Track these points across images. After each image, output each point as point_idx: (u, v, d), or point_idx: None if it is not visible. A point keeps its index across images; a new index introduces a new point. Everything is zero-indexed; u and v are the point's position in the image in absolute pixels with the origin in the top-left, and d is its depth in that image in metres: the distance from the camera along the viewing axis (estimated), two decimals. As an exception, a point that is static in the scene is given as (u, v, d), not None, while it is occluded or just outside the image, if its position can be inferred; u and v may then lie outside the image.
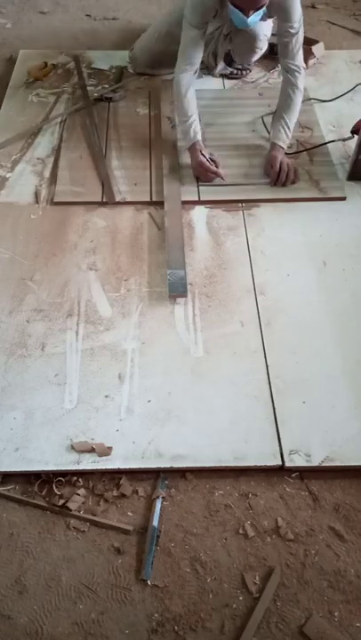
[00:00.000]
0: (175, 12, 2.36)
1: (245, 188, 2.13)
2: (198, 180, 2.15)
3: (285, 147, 2.15)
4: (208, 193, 2.11)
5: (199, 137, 2.13)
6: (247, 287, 1.82)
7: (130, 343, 1.68)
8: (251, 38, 2.38)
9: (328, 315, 1.76)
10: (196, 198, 2.10)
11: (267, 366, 1.63)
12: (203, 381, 1.60)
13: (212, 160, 2.14)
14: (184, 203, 2.08)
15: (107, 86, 2.60)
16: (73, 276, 1.86)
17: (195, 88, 2.20)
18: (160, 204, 2.08)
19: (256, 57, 2.53)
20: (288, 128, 2.14)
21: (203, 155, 2.11)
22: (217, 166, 2.13)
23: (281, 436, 1.48)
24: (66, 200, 2.09)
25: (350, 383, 1.60)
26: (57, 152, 2.29)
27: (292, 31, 2.06)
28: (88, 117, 2.41)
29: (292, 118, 2.15)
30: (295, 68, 2.14)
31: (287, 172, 2.11)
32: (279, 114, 2.17)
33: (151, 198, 2.10)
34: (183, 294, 1.78)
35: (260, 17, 2.02)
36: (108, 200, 2.08)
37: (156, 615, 1.25)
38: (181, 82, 2.15)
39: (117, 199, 2.09)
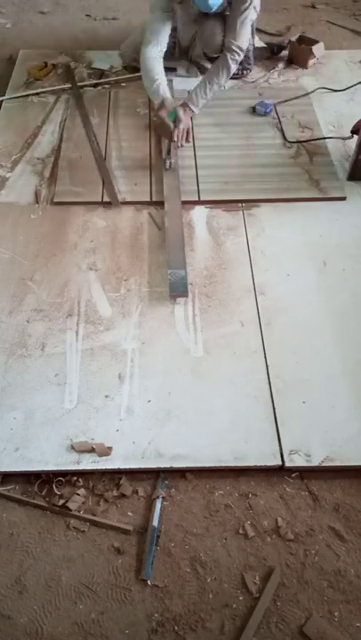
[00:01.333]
0: None
1: (245, 188, 2.13)
2: (161, 138, 2.27)
3: (197, 111, 2.25)
4: (208, 193, 2.11)
5: (167, 95, 2.21)
6: (247, 287, 1.82)
7: (130, 343, 1.68)
8: (214, 25, 2.36)
9: (328, 315, 1.76)
10: (197, 198, 2.11)
11: (267, 366, 1.63)
12: (203, 381, 1.60)
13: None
14: (184, 203, 2.08)
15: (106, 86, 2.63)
16: (73, 276, 1.86)
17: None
18: (160, 204, 2.08)
19: (218, 44, 2.43)
20: (205, 98, 2.24)
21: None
22: (187, 135, 2.25)
23: (281, 436, 1.48)
24: (66, 200, 2.09)
25: (350, 383, 1.60)
26: (57, 152, 2.29)
27: (242, 8, 2.14)
28: (83, 118, 2.42)
29: (211, 93, 2.25)
30: (235, 48, 2.21)
31: (180, 134, 2.20)
32: (203, 81, 2.25)
33: (151, 198, 2.10)
34: (184, 294, 1.78)
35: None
36: (112, 202, 2.07)
37: (156, 615, 1.25)
38: (146, 54, 2.23)
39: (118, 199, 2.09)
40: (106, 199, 2.09)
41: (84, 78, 2.69)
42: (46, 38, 3.03)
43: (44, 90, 2.59)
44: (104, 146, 2.31)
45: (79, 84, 2.62)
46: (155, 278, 1.85)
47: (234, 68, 2.25)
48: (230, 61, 2.21)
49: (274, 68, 2.75)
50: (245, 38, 2.24)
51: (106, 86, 2.64)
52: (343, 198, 2.12)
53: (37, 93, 2.58)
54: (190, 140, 2.30)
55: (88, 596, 1.27)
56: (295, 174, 2.19)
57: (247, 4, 2.15)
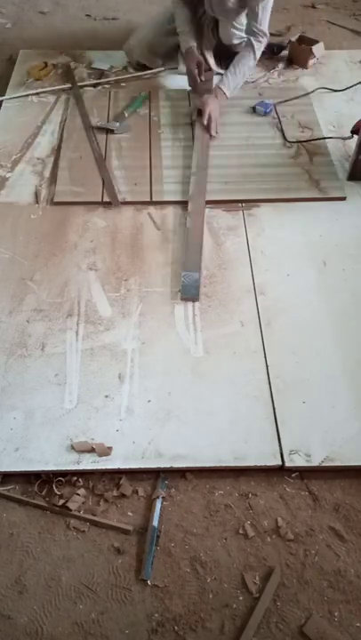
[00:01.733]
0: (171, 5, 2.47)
1: (245, 188, 2.13)
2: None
3: (228, 94, 2.35)
4: (208, 193, 2.11)
5: (191, 44, 2.38)
6: (247, 287, 1.82)
7: (130, 343, 1.68)
8: (231, 16, 2.40)
9: (328, 315, 1.76)
10: (196, 198, 2.11)
11: (267, 366, 1.63)
12: (203, 381, 1.60)
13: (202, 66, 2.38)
14: (184, 203, 2.08)
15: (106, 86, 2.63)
16: (73, 276, 1.86)
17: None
18: (160, 204, 2.08)
19: (236, 36, 2.49)
20: (236, 81, 2.35)
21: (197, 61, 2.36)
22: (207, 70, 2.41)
23: (281, 436, 1.48)
24: (66, 200, 2.09)
25: (350, 383, 1.60)
26: (57, 152, 2.29)
27: None
28: (83, 118, 2.42)
29: (241, 75, 2.36)
30: (258, 31, 2.29)
31: (209, 121, 2.29)
32: (232, 66, 2.35)
33: (151, 198, 2.10)
34: (195, 298, 1.77)
35: None
36: (112, 202, 2.07)
37: (156, 615, 1.25)
38: (177, 11, 2.42)
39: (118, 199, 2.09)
40: (106, 199, 2.09)
41: (84, 78, 2.69)
42: (46, 38, 3.03)
43: (44, 90, 2.59)
44: (104, 146, 2.31)
45: (79, 84, 2.62)
46: (155, 278, 1.85)
47: (260, 51, 2.32)
48: (256, 44, 2.30)
49: (274, 68, 2.75)
50: (267, 23, 2.30)
51: (106, 86, 2.65)
52: (343, 198, 2.12)
53: (37, 93, 2.58)
54: (219, 131, 2.33)
55: (88, 596, 1.27)
56: (295, 174, 2.19)
57: None
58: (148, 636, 1.23)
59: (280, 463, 1.44)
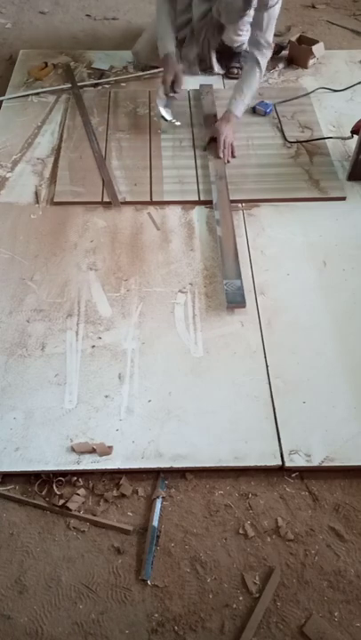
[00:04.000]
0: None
1: (245, 188, 2.13)
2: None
3: (240, 115, 2.27)
4: (208, 193, 2.11)
5: (169, 50, 2.27)
6: (247, 287, 1.82)
7: (130, 343, 1.68)
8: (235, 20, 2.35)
9: (328, 315, 1.76)
10: (197, 198, 2.11)
11: (267, 366, 1.63)
12: (203, 381, 1.60)
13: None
14: (184, 203, 2.08)
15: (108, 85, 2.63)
16: (73, 276, 1.86)
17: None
18: (160, 204, 2.08)
19: (242, 17, 2.36)
20: (245, 102, 2.26)
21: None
22: (232, 149, 2.26)
23: (281, 436, 1.48)
24: (66, 200, 2.09)
25: (350, 383, 1.60)
26: (57, 152, 2.29)
27: (270, 2, 2.09)
28: (83, 117, 2.42)
29: (250, 94, 2.26)
30: (263, 42, 2.19)
31: (224, 149, 2.23)
32: (239, 86, 2.26)
33: (151, 198, 2.10)
34: (242, 304, 1.75)
35: None
36: (112, 202, 2.07)
37: (156, 615, 1.25)
38: (160, 13, 2.29)
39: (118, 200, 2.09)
40: (106, 199, 2.09)
41: (84, 78, 2.69)
42: (46, 38, 3.03)
43: (43, 90, 2.59)
44: (104, 146, 2.31)
45: (79, 84, 2.62)
46: (155, 278, 1.85)
47: (264, 65, 2.24)
48: (261, 59, 2.20)
49: (274, 68, 2.75)
50: (272, 32, 2.21)
51: (106, 86, 2.65)
52: (343, 198, 2.12)
53: (37, 93, 2.58)
54: (236, 154, 2.26)
55: (88, 596, 1.27)
56: (295, 174, 2.20)
57: (273, 2, 2.11)
58: (148, 636, 1.23)
59: (280, 463, 1.44)
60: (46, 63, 2.73)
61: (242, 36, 2.44)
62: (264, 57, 2.21)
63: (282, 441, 1.48)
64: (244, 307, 1.75)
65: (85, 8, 3.30)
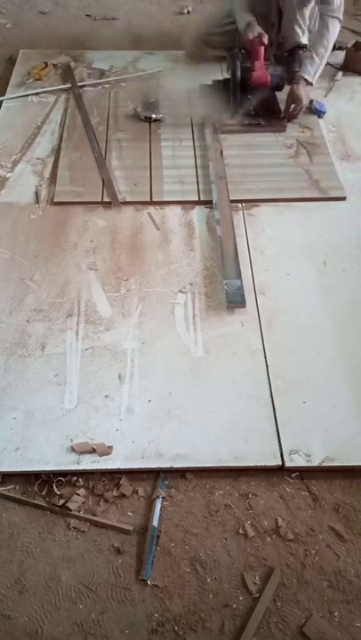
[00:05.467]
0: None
1: (245, 187, 2.13)
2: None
3: (312, 81, 2.34)
4: (208, 193, 2.11)
5: (251, 18, 2.33)
6: (247, 287, 1.82)
7: (130, 343, 1.68)
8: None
9: (328, 315, 1.76)
10: (197, 198, 2.11)
11: (267, 366, 1.63)
12: (203, 381, 1.60)
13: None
14: (184, 203, 2.08)
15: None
16: (73, 276, 1.86)
17: None
18: (160, 204, 2.08)
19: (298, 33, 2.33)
20: (315, 65, 2.32)
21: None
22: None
23: (281, 436, 1.48)
24: (66, 200, 2.09)
25: (350, 383, 1.60)
26: (57, 152, 2.29)
27: None
28: (83, 117, 2.42)
29: (320, 58, 2.32)
30: (333, 17, 2.30)
31: (293, 111, 2.35)
32: (309, 52, 2.31)
33: (151, 198, 2.10)
34: (242, 304, 1.75)
35: None
36: (112, 202, 2.07)
37: (156, 615, 1.25)
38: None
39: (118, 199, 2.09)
40: (106, 199, 2.09)
41: (83, 78, 2.69)
42: (46, 38, 3.03)
43: (44, 90, 2.59)
44: (104, 146, 2.31)
45: (79, 84, 2.62)
46: (155, 278, 1.85)
47: (335, 33, 2.30)
48: (331, 24, 2.27)
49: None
50: (342, 5, 2.30)
51: (106, 86, 2.64)
52: (343, 198, 2.12)
53: (37, 93, 2.57)
54: (298, 116, 2.39)
55: (88, 596, 1.27)
56: (295, 174, 2.20)
57: None
58: (148, 636, 1.23)
59: (280, 463, 1.44)
60: (46, 63, 2.73)
61: (299, 31, 2.33)
62: (334, 26, 2.31)
63: (282, 441, 1.48)
64: (244, 307, 1.76)
65: (85, 8, 3.30)
